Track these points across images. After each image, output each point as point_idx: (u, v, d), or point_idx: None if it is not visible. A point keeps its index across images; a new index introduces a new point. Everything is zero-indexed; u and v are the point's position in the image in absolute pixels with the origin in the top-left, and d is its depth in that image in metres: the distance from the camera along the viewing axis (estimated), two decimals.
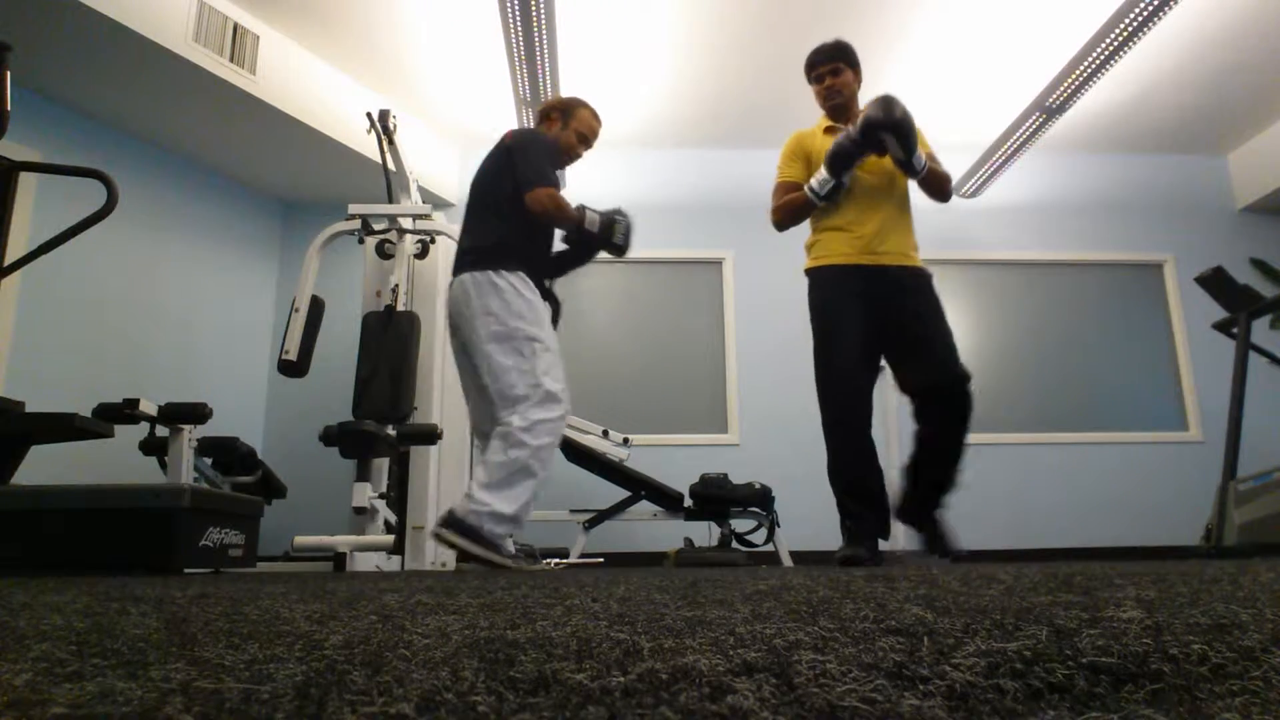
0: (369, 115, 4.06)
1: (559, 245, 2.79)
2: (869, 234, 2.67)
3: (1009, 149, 5.14)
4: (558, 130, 2.77)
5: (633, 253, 2.80)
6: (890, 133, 2.50)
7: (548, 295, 2.63)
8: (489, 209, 2.61)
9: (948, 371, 2.60)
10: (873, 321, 2.64)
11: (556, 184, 2.56)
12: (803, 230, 2.91)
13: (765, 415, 5.24)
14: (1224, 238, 5.62)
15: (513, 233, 2.58)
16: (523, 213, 2.52)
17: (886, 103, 2.48)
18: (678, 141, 5.45)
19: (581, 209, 2.59)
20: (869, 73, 5.06)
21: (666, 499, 4.14)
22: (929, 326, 2.65)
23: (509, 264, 2.52)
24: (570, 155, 2.80)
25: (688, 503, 4.12)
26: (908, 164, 2.57)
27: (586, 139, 2.81)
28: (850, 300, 2.65)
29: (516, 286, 2.50)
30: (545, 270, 2.68)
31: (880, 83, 4.79)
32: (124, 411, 3.34)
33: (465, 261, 2.56)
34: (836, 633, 0.52)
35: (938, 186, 2.73)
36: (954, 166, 5.47)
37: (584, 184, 5.59)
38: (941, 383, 2.59)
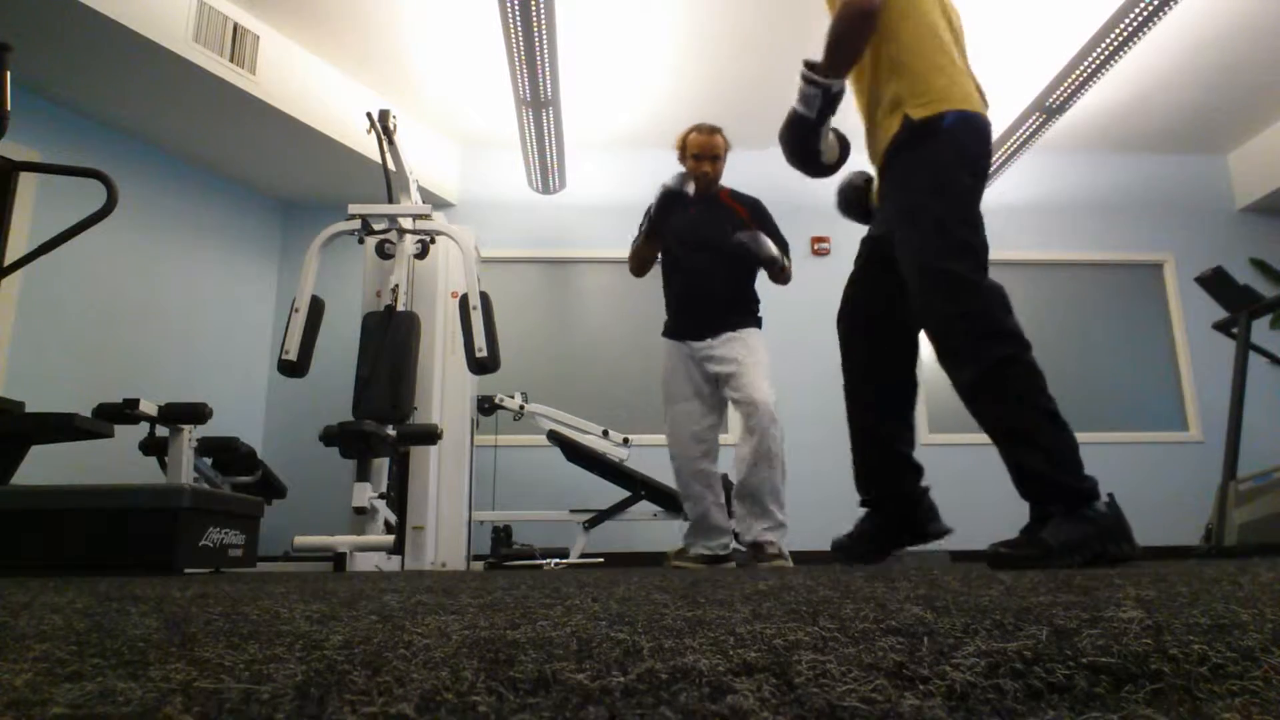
0: (369, 115, 4.06)
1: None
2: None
3: (1009, 149, 5.14)
4: (686, 165, 3.16)
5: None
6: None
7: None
8: None
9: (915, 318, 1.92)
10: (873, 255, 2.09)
11: (636, 239, 3.15)
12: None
13: None
14: (1224, 238, 5.62)
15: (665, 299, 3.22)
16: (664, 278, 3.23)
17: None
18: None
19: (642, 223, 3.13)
20: None
21: (666, 499, 4.14)
22: (899, 248, 1.91)
23: (665, 332, 3.20)
24: (698, 179, 3.12)
25: None
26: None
27: (700, 155, 3.14)
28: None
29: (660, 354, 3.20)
30: (688, 314, 3.12)
31: None
32: (124, 411, 3.33)
33: None
34: (836, 633, 0.52)
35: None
36: None
37: (585, 185, 5.60)
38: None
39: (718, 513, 3.10)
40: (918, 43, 1.93)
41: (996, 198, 5.62)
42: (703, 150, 3.12)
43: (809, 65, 1.95)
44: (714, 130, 3.16)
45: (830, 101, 1.97)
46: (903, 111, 1.89)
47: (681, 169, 3.20)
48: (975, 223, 1.90)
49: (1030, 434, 1.76)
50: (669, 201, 2.98)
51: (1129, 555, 1.71)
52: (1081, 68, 4.38)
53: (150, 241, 4.77)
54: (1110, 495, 1.80)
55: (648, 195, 3.23)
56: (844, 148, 2.21)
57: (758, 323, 3.16)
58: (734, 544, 3.13)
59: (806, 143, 2.06)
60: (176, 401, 3.50)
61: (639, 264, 3.24)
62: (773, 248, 2.98)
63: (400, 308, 3.74)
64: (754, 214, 3.15)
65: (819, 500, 5.05)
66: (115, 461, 3.78)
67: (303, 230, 5.38)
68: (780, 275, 3.10)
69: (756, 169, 4.30)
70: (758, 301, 3.20)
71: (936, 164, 1.87)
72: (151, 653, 0.51)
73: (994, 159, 5.27)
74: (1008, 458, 1.80)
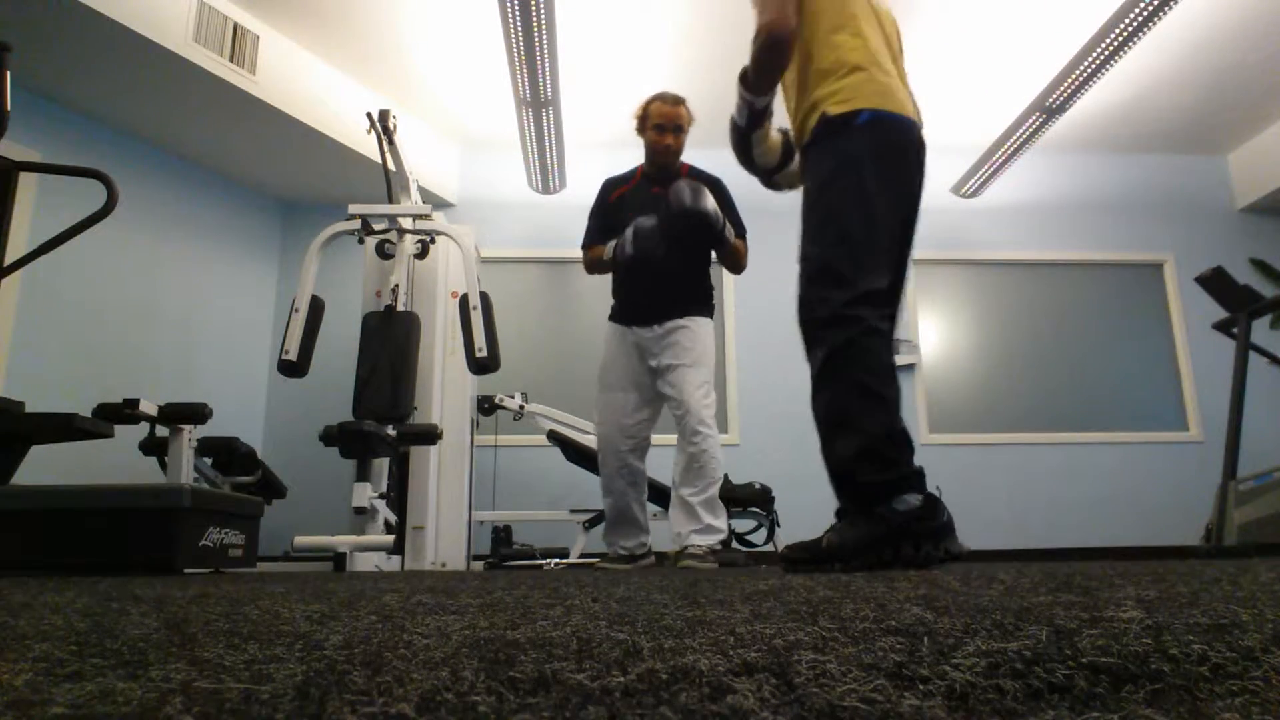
0: (369, 115, 4.06)
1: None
2: None
3: (1009, 149, 5.14)
4: (646, 136, 3.04)
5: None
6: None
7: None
8: None
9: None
10: None
11: (588, 243, 3.15)
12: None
13: (765, 415, 5.23)
14: (1224, 238, 5.62)
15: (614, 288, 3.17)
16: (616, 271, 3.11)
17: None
18: None
19: (613, 246, 3.00)
20: None
21: (667, 499, 4.14)
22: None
23: (611, 316, 3.16)
24: (658, 152, 3.00)
25: None
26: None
27: (663, 126, 2.97)
28: None
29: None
30: (637, 300, 3.08)
31: None
32: (124, 411, 3.34)
33: None
34: (836, 633, 0.52)
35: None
36: (954, 166, 5.48)
37: (585, 185, 5.59)
38: None
39: (639, 510, 3.04)
40: (838, 52, 1.96)
41: (997, 197, 5.62)
42: (666, 120, 2.96)
43: (743, 75, 2.04)
44: (678, 101, 3.01)
45: (756, 115, 2.10)
46: (821, 110, 1.94)
47: (639, 162, 3.13)
48: (864, 217, 1.87)
49: (839, 422, 1.75)
50: (642, 257, 2.85)
51: (929, 559, 1.57)
52: (1081, 68, 4.38)
53: (150, 241, 4.77)
54: (928, 495, 1.65)
55: None
56: (787, 151, 2.26)
57: (709, 312, 3.06)
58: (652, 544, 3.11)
59: (740, 146, 2.22)
60: (176, 401, 3.50)
61: (593, 271, 3.16)
62: (710, 202, 2.78)
63: (400, 308, 3.75)
64: (714, 192, 2.98)
65: (816, 502, 5.06)
66: (115, 461, 3.78)
67: (303, 230, 5.38)
68: (732, 256, 2.98)
69: None
70: (712, 290, 3.09)
71: (842, 156, 1.89)
72: (151, 653, 0.51)
73: (994, 159, 5.27)
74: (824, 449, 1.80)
